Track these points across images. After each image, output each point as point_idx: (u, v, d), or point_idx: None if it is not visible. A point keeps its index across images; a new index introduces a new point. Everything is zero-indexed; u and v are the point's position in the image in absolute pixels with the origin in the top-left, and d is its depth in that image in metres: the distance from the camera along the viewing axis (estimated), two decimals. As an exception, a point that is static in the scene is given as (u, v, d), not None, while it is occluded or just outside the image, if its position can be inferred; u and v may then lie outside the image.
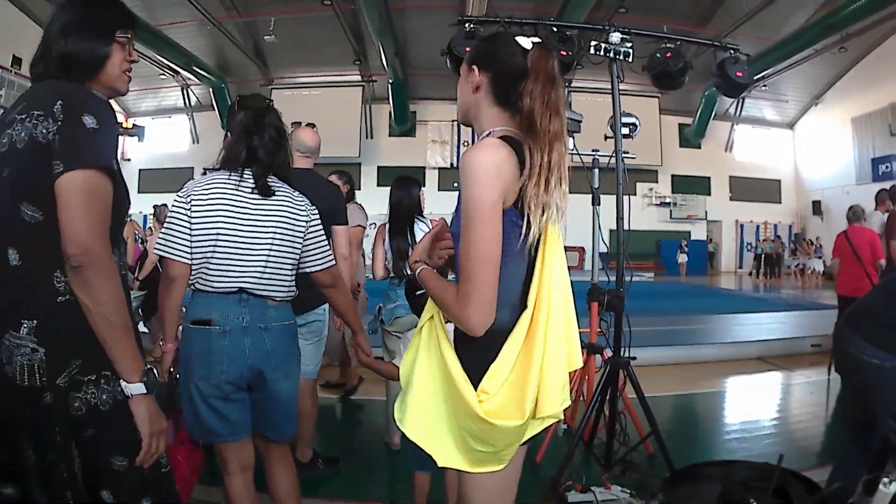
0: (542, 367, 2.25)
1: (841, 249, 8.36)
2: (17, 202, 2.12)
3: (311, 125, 5.25)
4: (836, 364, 4.26)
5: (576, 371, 5.79)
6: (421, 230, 5.58)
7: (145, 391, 2.18)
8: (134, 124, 31.40)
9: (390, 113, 32.98)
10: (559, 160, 2.28)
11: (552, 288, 2.34)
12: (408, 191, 5.74)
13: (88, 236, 2.04)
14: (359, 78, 32.54)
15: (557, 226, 2.44)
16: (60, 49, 2.27)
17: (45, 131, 2.10)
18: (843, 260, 8.28)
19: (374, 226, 6.76)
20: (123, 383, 2.15)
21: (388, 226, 5.70)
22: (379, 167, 33.13)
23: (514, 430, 2.27)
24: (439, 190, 33.66)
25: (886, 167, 27.40)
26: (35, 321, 2.10)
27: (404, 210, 5.68)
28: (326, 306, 5.10)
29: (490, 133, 2.35)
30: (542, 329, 2.27)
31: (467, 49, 2.39)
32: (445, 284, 2.31)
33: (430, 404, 2.34)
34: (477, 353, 2.24)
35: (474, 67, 2.41)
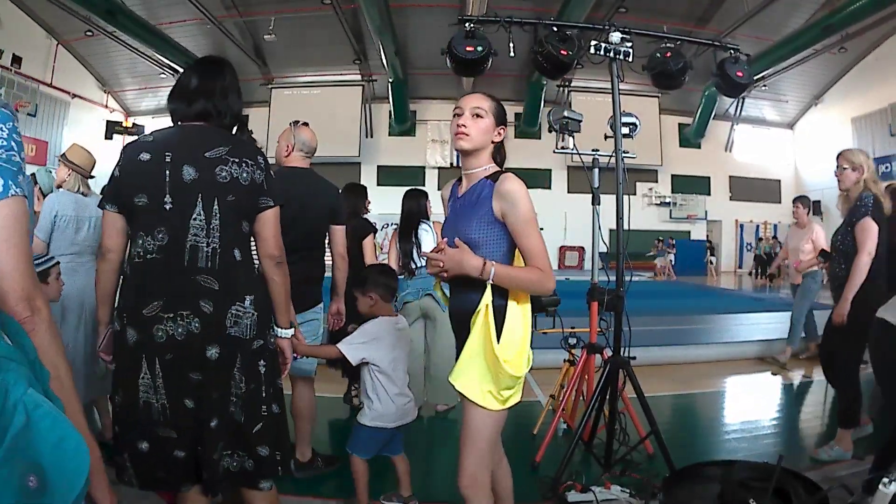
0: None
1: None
2: (241, 219, 3.18)
3: (306, 124, 5.25)
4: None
5: (575, 370, 5.83)
6: (424, 231, 6.93)
7: (291, 334, 3.55)
8: (134, 123, 31.40)
9: (390, 112, 33.01)
10: None
11: None
12: (417, 201, 7.11)
13: (280, 246, 3.34)
14: (359, 77, 32.57)
15: None
16: (235, 108, 3.37)
17: (258, 177, 3.20)
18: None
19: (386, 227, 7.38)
20: (279, 330, 3.46)
21: (398, 230, 6.91)
22: (379, 166, 33.19)
23: (521, 380, 3.27)
24: (439, 189, 33.59)
25: (886, 167, 27.38)
26: (253, 296, 3.18)
27: (413, 218, 7.01)
28: (322, 305, 5.14)
29: (488, 168, 3.37)
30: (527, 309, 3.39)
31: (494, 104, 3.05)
32: (526, 269, 3.17)
33: (473, 365, 3.18)
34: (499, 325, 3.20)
35: (504, 127, 3.44)
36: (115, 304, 3.20)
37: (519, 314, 3.29)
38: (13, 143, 1.75)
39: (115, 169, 3.13)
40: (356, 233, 7.01)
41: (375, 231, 7.51)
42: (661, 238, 32.23)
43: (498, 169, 3.37)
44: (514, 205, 3.11)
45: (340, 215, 5.17)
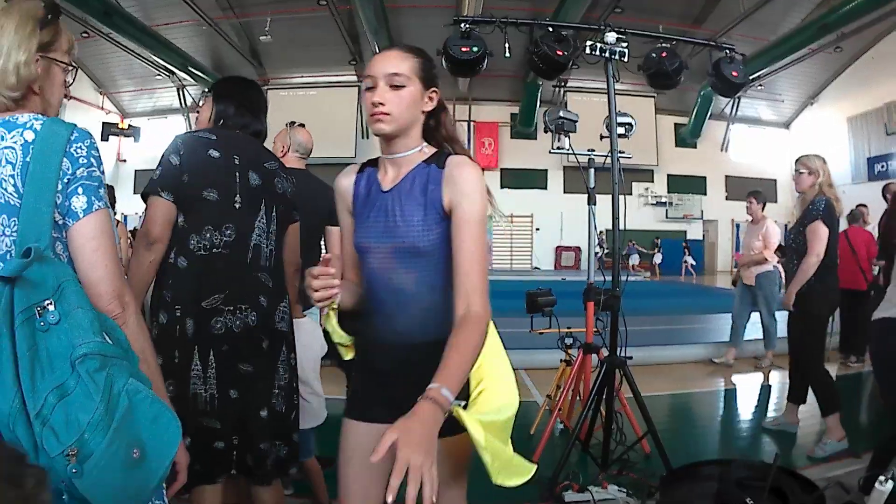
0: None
1: (841, 247, 8.67)
2: (285, 227, 3.55)
3: (302, 125, 5.25)
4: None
5: (572, 370, 5.83)
6: None
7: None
8: (129, 125, 31.39)
9: (385, 113, 32.99)
10: None
11: None
12: None
13: (299, 255, 3.75)
14: (354, 78, 32.51)
15: None
16: (263, 127, 3.69)
17: (291, 192, 3.59)
18: (842, 256, 8.55)
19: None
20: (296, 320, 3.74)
21: None
22: (374, 167, 33.17)
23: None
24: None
25: (882, 166, 27.45)
26: (288, 296, 3.51)
27: None
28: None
29: (423, 148, 2.58)
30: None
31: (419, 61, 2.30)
32: (463, 342, 2.23)
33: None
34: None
35: (436, 91, 2.55)
36: (160, 296, 3.19)
37: (496, 379, 2.58)
38: (92, 160, 1.99)
39: (170, 157, 3.17)
40: None
41: None
42: (632, 239, 32.21)
43: (436, 150, 2.59)
44: (467, 196, 2.35)
45: (336, 217, 5.16)
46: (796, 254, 6.14)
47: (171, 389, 2.91)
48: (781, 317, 7.70)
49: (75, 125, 2.00)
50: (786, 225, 36.03)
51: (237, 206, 3.24)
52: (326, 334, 2.79)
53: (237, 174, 3.27)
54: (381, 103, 2.41)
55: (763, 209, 9.39)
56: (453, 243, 2.35)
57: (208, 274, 3.14)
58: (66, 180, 1.91)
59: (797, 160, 6.30)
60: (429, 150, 2.57)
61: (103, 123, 30.95)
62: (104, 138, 30.36)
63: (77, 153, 1.94)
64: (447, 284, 2.40)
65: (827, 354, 6.22)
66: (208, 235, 3.14)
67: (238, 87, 3.74)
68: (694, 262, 32.98)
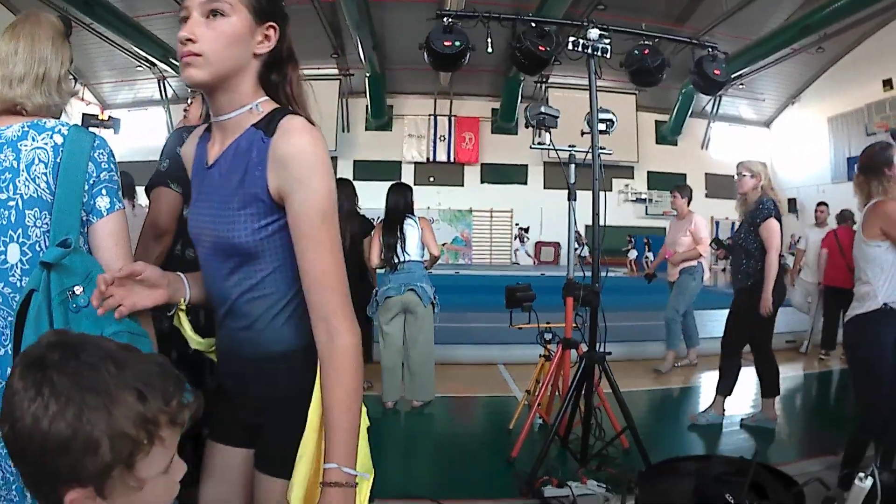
0: None
1: (829, 246, 9.03)
2: None
3: None
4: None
5: (551, 365, 5.84)
6: (409, 226, 6.90)
7: None
8: (110, 116, 30.90)
9: (367, 107, 32.91)
10: None
11: None
12: (403, 195, 7.08)
13: None
14: (336, 71, 32.41)
15: None
16: None
17: None
18: (831, 255, 8.82)
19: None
20: None
21: (383, 223, 6.75)
22: (355, 161, 33.06)
23: None
24: (415, 184, 33.58)
25: (861, 166, 27.62)
26: None
27: (399, 212, 6.96)
28: None
29: (258, 106, 1.94)
30: None
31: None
32: (336, 388, 1.81)
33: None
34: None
35: (274, 26, 1.95)
36: None
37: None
38: (112, 165, 2.18)
39: (177, 150, 3.01)
40: (360, 234, 7.34)
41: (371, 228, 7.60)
42: (578, 231, 32.22)
43: (276, 106, 1.98)
44: (301, 183, 1.76)
45: None
46: (746, 253, 6.41)
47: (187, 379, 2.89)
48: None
49: (96, 134, 2.20)
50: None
51: None
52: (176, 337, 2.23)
53: None
54: (189, 39, 1.82)
55: (689, 204, 9.30)
56: (294, 248, 1.82)
57: None
58: (91, 182, 2.10)
59: (740, 164, 6.60)
60: (266, 108, 1.95)
61: (83, 114, 30.47)
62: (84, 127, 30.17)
63: (99, 158, 2.14)
64: (288, 294, 1.92)
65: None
66: None
67: None
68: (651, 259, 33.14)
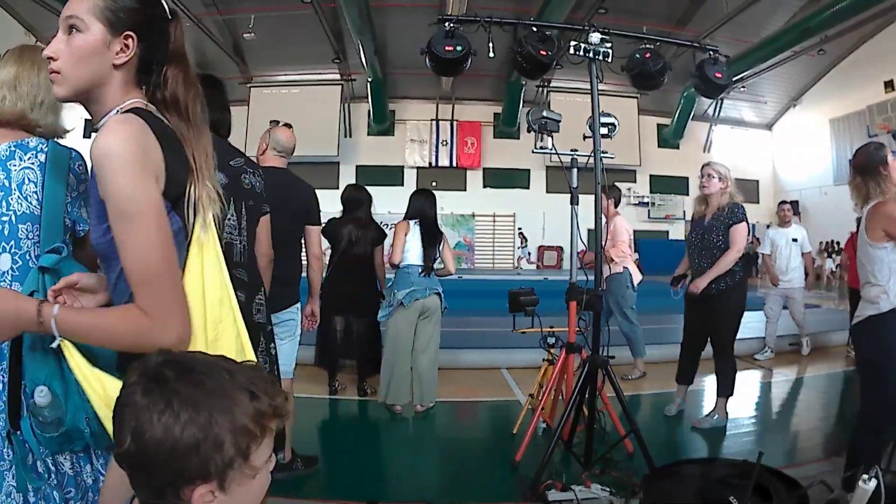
0: None
1: (850, 249, 9.14)
2: (256, 222, 3.74)
3: (288, 125, 5.24)
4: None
5: (554, 369, 5.83)
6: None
7: None
8: (111, 122, 31.23)
9: (369, 112, 32.94)
10: (211, 150, 2.08)
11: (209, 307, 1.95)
12: (434, 203, 7.31)
13: (271, 246, 3.95)
14: (338, 76, 32.46)
15: (212, 231, 2.05)
16: (228, 122, 3.88)
17: (261, 186, 3.81)
18: (852, 258, 8.88)
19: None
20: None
21: (419, 226, 6.96)
22: (357, 166, 33.09)
23: None
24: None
25: (863, 168, 27.59)
26: (264, 287, 3.79)
27: (434, 218, 7.24)
28: (298, 305, 5.14)
29: (119, 111, 1.88)
30: None
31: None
32: (117, 313, 1.81)
33: None
34: None
35: (131, 35, 1.87)
36: None
37: None
38: (88, 174, 2.38)
39: None
40: (375, 241, 7.52)
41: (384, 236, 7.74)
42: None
43: (128, 104, 1.91)
44: (103, 184, 1.72)
45: (315, 215, 5.16)
46: (720, 252, 6.55)
47: None
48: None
49: (72, 148, 2.50)
50: (767, 226, 36.28)
51: None
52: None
53: None
54: (50, 57, 1.84)
55: (616, 205, 9.01)
56: (118, 247, 1.76)
57: None
58: (73, 194, 2.42)
59: (708, 164, 6.86)
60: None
61: (85, 121, 30.40)
62: (86, 135, 29.62)
63: (79, 170, 2.46)
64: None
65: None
66: None
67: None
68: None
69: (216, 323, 1.94)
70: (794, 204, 33.42)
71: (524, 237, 33.91)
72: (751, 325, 11.43)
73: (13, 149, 2.31)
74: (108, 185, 1.70)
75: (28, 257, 2.26)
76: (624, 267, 8.62)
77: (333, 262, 7.32)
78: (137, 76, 1.94)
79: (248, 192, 3.71)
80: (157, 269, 1.73)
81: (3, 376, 2.20)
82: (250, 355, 2.07)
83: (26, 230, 2.27)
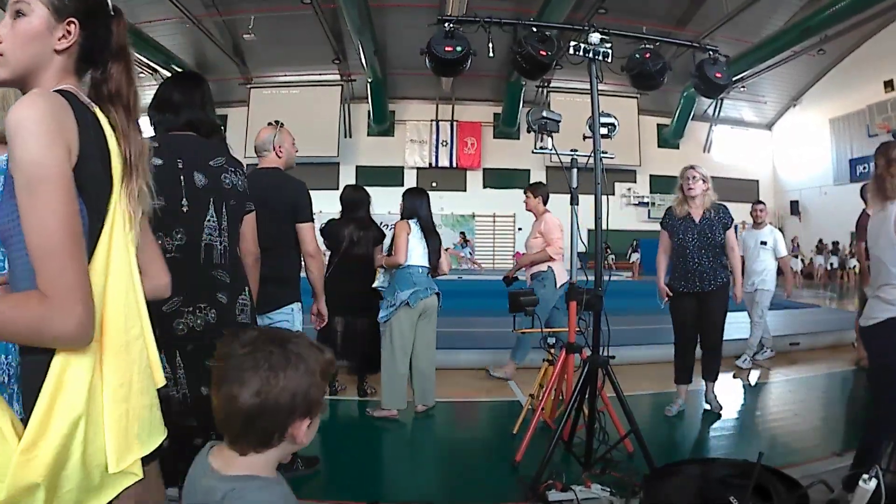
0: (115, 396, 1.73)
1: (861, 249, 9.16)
2: (238, 221, 3.73)
3: (272, 123, 5.23)
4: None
5: (554, 369, 5.83)
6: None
7: None
8: (112, 123, 31.22)
9: (369, 112, 33.05)
10: (147, 147, 2.01)
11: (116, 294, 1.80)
12: (429, 203, 7.18)
13: (258, 244, 3.94)
14: (338, 77, 32.54)
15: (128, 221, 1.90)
16: (211, 119, 3.79)
17: (244, 184, 3.77)
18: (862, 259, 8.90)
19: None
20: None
21: (418, 225, 6.87)
22: (357, 166, 33.17)
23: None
24: (418, 190, 33.72)
25: (864, 168, 27.61)
26: (248, 287, 3.80)
27: (432, 218, 7.18)
28: (294, 306, 5.10)
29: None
30: (113, 350, 1.76)
31: None
32: (18, 299, 1.64)
33: None
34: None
35: (74, 21, 1.86)
36: None
37: (78, 377, 1.65)
38: None
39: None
40: (376, 242, 7.53)
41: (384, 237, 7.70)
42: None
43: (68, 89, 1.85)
44: (11, 150, 1.62)
45: (304, 213, 5.08)
46: (721, 249, 6.98)
47: None
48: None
49: None
50: (778, 227, 36.33)
51: (184, 209, 3.46)
52: None
53: (182, 178, 3.48)
54: None
55: (545, 203, 8.75)
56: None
57: None
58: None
59: (692, 167, 7.07)
60: None
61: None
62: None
63: None
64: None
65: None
66: (160, 242, 3.15)
67: (158, 90, 3.80)
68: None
69: (119, 330, 1.79)
70: (795, 203, 33.53)
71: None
72: (747, 324, 11.44)
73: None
74: (16, 150, 1.60)
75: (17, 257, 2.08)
76: (548, 267, 8.35)
77: (334, 262, 7.30)
78: (77, 64, 1.92)
79: (230, 192, 3.68)
80: (60, 241, 1.59)
81: (9, 369, 2.59)
82: (158, 375, 2.01)
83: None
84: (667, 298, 7.02)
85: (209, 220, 3.53)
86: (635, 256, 32.59)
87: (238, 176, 3.76)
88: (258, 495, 1.86)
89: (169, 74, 28.82)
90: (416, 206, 7.03)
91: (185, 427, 3.25)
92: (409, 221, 6.93)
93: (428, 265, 6.92)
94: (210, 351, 2.83)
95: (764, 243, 9.97)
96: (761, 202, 10.77)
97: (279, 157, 5.17)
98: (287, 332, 2.01)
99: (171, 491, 2.47)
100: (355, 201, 7.49)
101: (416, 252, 6.82)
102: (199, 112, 3.70)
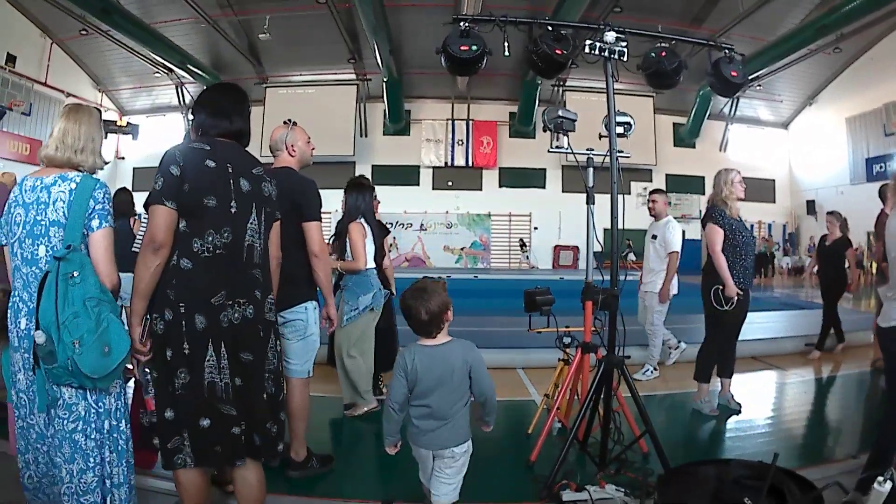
0: None
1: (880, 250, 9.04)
2: (270, 227, 3.97)
3: (285, 122, 5.23)
4: None
5: (570, 369, 5.82)
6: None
7: None
8: (128, 122, 31.32)
9: (384, 111, 33.04)
10: None
11: None
12: (365, 193, 7.01)
13: (279, 247, 4.14)
14: (353, 76, 32.54)
15: None
16: (249, 130, 4.03)
17: (275, 193, 4.03)
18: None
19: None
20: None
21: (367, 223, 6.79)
22: (373, 166, 33.15)
23: None
24: (433, 189, 33.65)
25: (881, 167, 27.45)
26: (272, 289, 4.03)
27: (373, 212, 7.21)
28: (308, 304, 5.10)
29: None
30: None
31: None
32: None
33: None
34: None
35: None
36: (163, 295, 3.58)
37: None
38: (105, 201, 3.64)
39: (170, 168, 3.57)
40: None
41: (388, 233, 7.75)
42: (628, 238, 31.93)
43: None
44: None
45: (308, 211, 5.02)
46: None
47: (183, 377, 3.54)
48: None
49: (98, 179, 3.67)
50: (783, 226, 36.16)
51: (233, 210, 3.68)
52: None
53: (231, 181, 3.70)
54: None
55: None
56: None
57: (213, 273, 3.58)
58: (90, 211, 3.57)
59: (737, 171, 7.11)
60: None
61: (103, 121, 30.82)
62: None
63: (97, 196, 3.60)
64: None
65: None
66: (210, 238, 3.57)
67: (208, 96, 4.10)
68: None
69: None
70: (811, 204, 33.39)
71: (524, 244, 33.96)
72: (768, 325, 11.38)
73: (56, 179, 3.58)
74: None
75: (55, 249, 3.48)
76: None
77: None
78: None
79: (267, 199, 3.90)
80: None
81: (31, 320, 3.46)
82: None
83: (55, 231, 3.51)
84: (736, 297, 6.80)
85: (251, 223, 3.76)
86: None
87: (272, 186, 3.99)
88: (469, 343, 3.96)
89: (185, 74, 29.12)
90: (360, 202, 6.94)
91: (225, 415, 3.60)
92: (361, 222, 6.84)
93: (375, 265, 7.06)
94: (245, 344, 3.69)
95: (655, 237, 9.27)
96: (657, 190, 9.94)
97: (292, 156, 5.20)
98: (429, 281, 3.89)
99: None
100: (357, 201, 7.47)
101: (370, 254, 6.86)
102: (246, 123, 3.99)
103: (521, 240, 33.86)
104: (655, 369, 8.87)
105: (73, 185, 3.52)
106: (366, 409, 6.85)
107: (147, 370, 3.75)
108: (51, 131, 3.77)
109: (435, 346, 3.82)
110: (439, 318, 3.75)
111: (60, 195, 3.51)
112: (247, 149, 4.07)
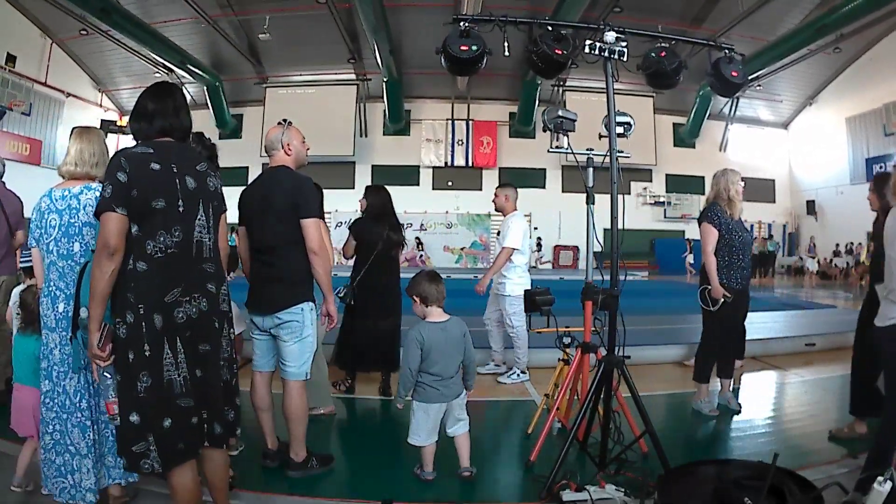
0: None
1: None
2: (218, 220, 4.06)
3: (281, 122, 5.22)
4: None
5: (570, 369, 5.82)
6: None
7: None
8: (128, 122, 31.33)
9: (384, 111, 33.10)
10: None
11: None
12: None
13: (227, 239, 4.31)
14: (353, 76, 32.60)
15: None
16: (186, 124, 4.06)
17: (220, 186, 4.11)
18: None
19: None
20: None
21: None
22: (373, 166, 33.25)
23: None
24: (433, 189, 33.68)
25: (881, 167, 27.41)
26: (225, 279, 4.18)
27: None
28: (304, 305, 5.05)
29: None
30: None
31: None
32: None
33: None
34: None
35: None
36: (123, 298, 3.63)
37: None
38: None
39: (118, 175, 3.60)
40: (399, 243, 7.73)
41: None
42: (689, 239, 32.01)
43: None
44: None
45: (305, 208, 4.96)
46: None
47: (145, 380, 3.59)
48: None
49: None
50: (783, 226, 36.18)
51: (181, 209, 3.78)
52: None
53: (177, 181, 3.80)
54: None
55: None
56: None
57: (166, 272, 3.69)
58: None
59: (736, 171, 7.16)
60: None
61: (102, 121, 30.85)
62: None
63: None
64: None
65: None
66: (162, 239, 3.68)
67: (137, 101, 4.07)
68: (693, 261, 32.85)
69: None
70: (811, 204, 33.41)
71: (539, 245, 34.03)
72: (768, 325, 11.40)
73: (83, 189, 4.34)
74: None
75: (87, 244, 4.21)
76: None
77: (370, 262, 7.27)
78: None
79: (213, 194, 4.03)
80: None
81: (68, 303, 4.14)
82: None
83: (87, 230, 4.23)
84: (723, 299, 6.81)
85: (199, 219, 3.88)
86: (690, 258, 32.37)
87: (218, 180, 4.13)
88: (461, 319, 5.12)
89: (185, 74, 29.13)
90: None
91: (183, 408, 3.72)
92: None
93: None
94: (202, 336, 3.84)
95: (498, 233, 8.70)
96: (503, 185, 9.24)
97: (288, 155, 5.18)
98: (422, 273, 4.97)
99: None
100: (385, 202, 7.52)
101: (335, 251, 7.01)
102: (171, 119, 3.98)
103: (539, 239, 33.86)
104: (524, 372, 8.60)
105: (97, 194, 3.91)
106: (322, 411, 6.75)
107: (108, 375, 3.86)
108: (67, 150, 4.53)
109: (439, 323, 5.07)
110: (425, 297, 5.12)
111: (88, 202, 4.26)
112: (189, 144, 4.37)
